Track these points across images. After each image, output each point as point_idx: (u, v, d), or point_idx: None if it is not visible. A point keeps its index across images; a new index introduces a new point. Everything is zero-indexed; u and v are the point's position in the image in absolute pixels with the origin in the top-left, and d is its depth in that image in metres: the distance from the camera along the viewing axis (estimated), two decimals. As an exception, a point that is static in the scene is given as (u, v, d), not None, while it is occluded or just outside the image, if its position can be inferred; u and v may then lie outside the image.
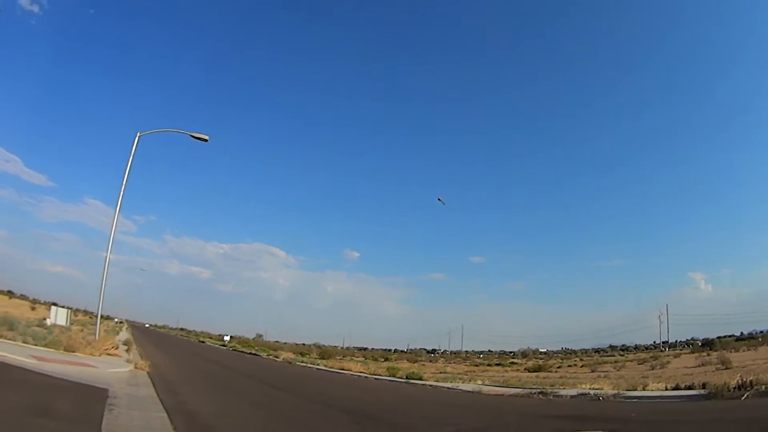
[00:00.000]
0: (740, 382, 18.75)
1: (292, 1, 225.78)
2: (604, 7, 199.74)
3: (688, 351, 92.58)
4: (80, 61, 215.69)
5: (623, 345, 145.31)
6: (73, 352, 23.76)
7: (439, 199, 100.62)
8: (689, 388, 21.55)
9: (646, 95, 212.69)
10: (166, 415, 12.61)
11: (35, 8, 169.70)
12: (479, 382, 33.42)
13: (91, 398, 12.94)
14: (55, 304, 78.97)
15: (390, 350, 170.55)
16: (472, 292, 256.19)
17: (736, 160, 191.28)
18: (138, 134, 32.26)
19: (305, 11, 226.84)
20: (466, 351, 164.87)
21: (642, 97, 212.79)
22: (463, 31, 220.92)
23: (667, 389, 22.25)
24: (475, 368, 77.47)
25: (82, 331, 39.81)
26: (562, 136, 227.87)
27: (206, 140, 32.88)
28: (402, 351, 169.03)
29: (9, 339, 23.29)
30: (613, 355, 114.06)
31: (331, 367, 50.48)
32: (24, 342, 23.47)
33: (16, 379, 13.69)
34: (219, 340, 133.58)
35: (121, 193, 32.03)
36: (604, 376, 41.49)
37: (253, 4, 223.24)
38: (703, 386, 20.55)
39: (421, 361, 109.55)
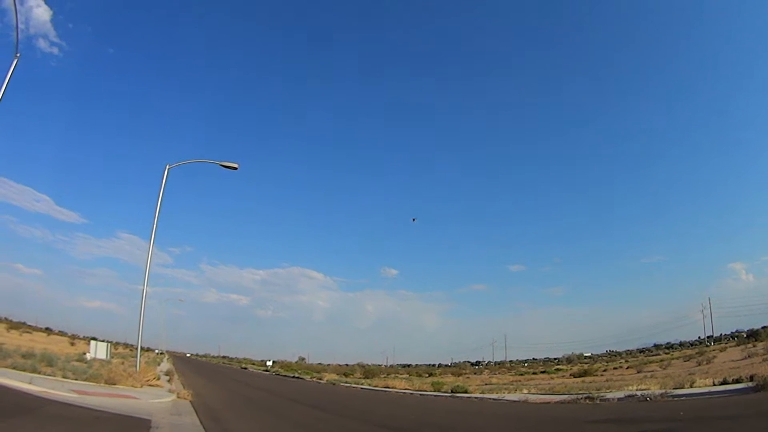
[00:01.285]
0: (788, 372, 18.66)
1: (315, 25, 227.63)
2: None
3: (734, 344, 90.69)
4: (104, 98, 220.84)
5: (668, 343, 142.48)
6: (114, 384, 23.90)
7: (413, 220, 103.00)
8: (737, 381, 21.47)
9: (677, 86, 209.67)
10: None
11: (55, 50, 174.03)
12: (525, 391, 33.31)
13: (134, 429, 13.10)
14: (94, 339, 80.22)
15: (434, 365, 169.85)
16: (513, 301, 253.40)
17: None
18: (167, 166, 32.47)
19: (327, 33, 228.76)
20: (510, 361, 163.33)
21: (674, 88, 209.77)
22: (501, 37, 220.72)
23: (714, 384, 22.18)
24: (521, 377, 76.67)
25: (122, 363, 39.67)
26: (596, 141, 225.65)
27: (236, 168, 32.98)
28: (446, 365, 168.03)
29: (48, 374, 23.40)
30: (659, 354, 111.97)
31: (375, 386, 50.29)
32: (64, 377, 23.59)
33: (57, 413, 13.66)
34: (261, 366, 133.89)
35: (154, 225, 32.17)
36: (651, 376, 41.14)
37: (271, 31, 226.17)
38: (751, 379, 20.49)
39: (465, 373, 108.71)
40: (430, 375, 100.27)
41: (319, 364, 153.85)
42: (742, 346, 70.04)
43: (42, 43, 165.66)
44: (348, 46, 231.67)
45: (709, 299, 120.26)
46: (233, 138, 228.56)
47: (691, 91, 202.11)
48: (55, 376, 23.38)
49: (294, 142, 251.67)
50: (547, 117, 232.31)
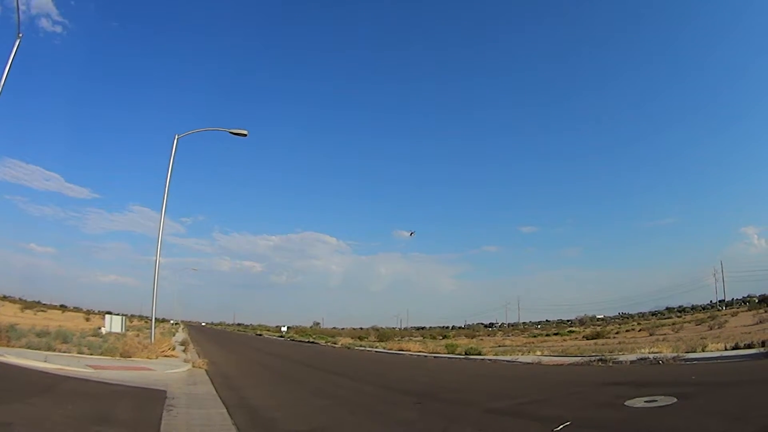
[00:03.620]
0: (801, 337, 18.74)
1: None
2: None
3: (746, 308, 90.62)
4: (109, 73, 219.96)
5: (680, 306, 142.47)
6: (129, 357, 24.23)
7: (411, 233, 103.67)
8: (749, 346, 21.58)
9: (693, 53, 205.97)
10: (225, 411, 12.88)
11: (58, 29, 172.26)
12: (538, 353, 33.57)
13: (150, 401, 13.12)
14: (109, 313, 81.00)
15: (448, 327, 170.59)
16: (526, 263, 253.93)
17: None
18: (176, 136, 32.40)
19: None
20: (523, 323, 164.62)
21: (689, 55, 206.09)
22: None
23: (726, 349, 22.28)
24: (534, 339, 77.38)
25: (137, 336, 40.20)
26: (613, 102, 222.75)
27: (245, 135, 33.16)
28: (460, 327, 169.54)
29: (64, 351, 23.66)
30: (671, 317, 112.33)
31: (389, 349, 50.68)
32: (79, 353, 23.83)
33: (73, 389, 13.69)
34: (277, 332, 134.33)
35: (165, 196, 32.41)
36: (663, 339, 41.32)
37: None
38: (763, 344, 20.63)
39: (479, 335, 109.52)
40: (444, 337, 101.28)
41: (334, 328, 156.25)
42: (754, 311, 70.05)
43: (45, 23, 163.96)
44: (357, 11, 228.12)
45: (721, 263, 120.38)
46: (240, 105, 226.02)
47: (707, 57, 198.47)
48: (70, 352, 23.70)
49: (302, 107, 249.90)
50: (565, 78, 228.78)
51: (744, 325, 49.28)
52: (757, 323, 48.48)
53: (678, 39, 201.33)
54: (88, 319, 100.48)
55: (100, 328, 49.16)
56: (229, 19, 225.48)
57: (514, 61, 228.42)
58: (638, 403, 12.00)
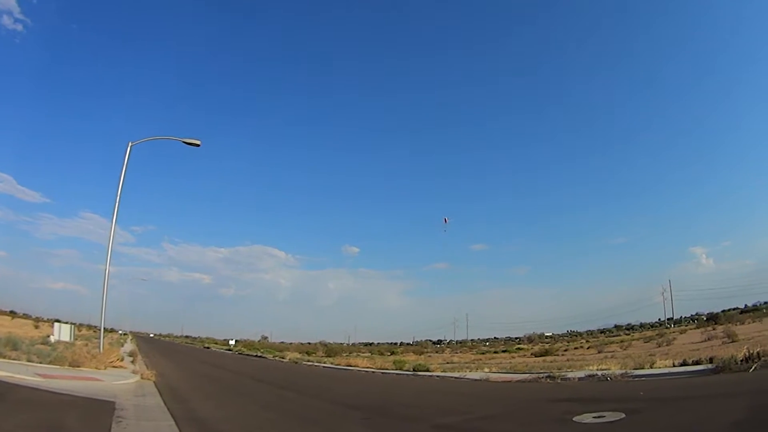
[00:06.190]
0: (747, 354, 18.69)
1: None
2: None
3: (694, 326, 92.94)
4: (67, 77, 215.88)
5: (628, 324, 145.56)
6: (78, 366, 23.74)
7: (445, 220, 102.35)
8: (696, 363, 21.51)
9: (647, 72, 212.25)
10: (174, 423, 12.65)
11: (19, 27, 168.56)
12: (486, 369, 33.31)
13: (99, 412, 12.91)
14: (58, 321, 78.91)
15: (396, 344, 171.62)
16: (475, 280, 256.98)
17: (733, 134, 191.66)
18: (130, 144, 31.95)
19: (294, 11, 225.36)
20: (471, 340, 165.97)
21: (643, 74, 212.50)
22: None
23: (674, 366, 22.21)
24: (482, 356, 77.72)
25: (86, 345, 39.96)
26: (563, 121, 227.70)
27: (198, 145, 32.77)
28: (408, 344, 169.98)
29: (13, 359, 23.25)
30: (619, 335, 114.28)
31: (337, 365, 50.16)
32: (28, 360, 23.43)
33: (22, 398, 13.57)
34: (224, 345, 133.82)
35: (117, 204, 31.77)
36: (611, 357, 41.58)
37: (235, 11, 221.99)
38: (710, 361, 20.52)
39: (427, 352, 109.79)
40: (392, 353, 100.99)
41: (282, 342, 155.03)
42: (702, 329, 71.54)
43: (6, 20, 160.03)
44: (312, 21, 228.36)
45: (670, 282, 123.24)
46: (195, 117, 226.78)
47: (656, 77, 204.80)
48: (20, 360, 23.44)
49: (253, 120, 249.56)
50: (514, 94, 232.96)
51: (692, 343, 50.06)
52: (705, 340, 49.31)
53: (629, 54, 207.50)
54: (37, 327, 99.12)
55: (49, 336, 49.05)
56: (187, 30, 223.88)
57: (465, 77, 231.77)
58: (587, 418, 11.81)
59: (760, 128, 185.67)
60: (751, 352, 18.76)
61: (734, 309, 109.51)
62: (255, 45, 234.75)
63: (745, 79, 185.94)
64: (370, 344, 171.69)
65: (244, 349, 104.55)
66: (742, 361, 18.44)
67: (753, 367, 17.75)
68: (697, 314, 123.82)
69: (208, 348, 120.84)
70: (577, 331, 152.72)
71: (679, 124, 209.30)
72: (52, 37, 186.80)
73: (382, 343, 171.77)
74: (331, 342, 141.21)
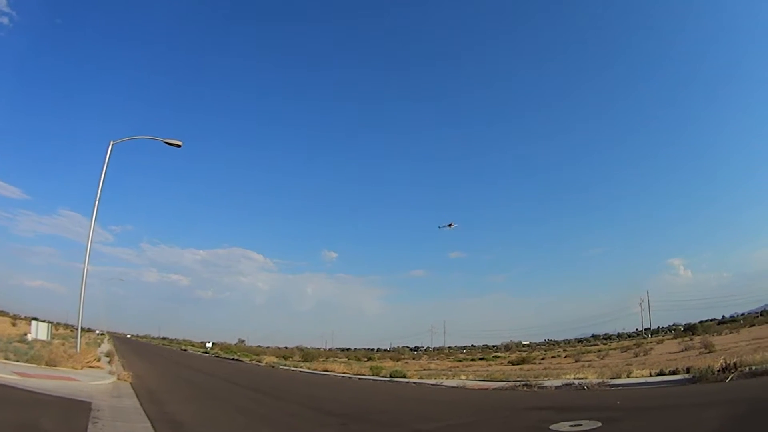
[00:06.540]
0: (724, 364, 18.75)
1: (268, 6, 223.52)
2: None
3: (671, 337, 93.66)
4: (50, 72, 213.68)
5: (606, 334, 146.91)
6: (55, 366, 23.66)
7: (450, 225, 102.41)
8: (673, 373, 21.52)
9: (617, 88, 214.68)
10: (150, 425, 12.70)
11: (5, 20, 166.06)
12: (463, 377, 33.28)
13: (75, 412, 12.85)
14: (35, 319, 77.86)
15: (373, 350, 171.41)
16: (453, 288, 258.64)
17: (709, 147, 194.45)
18: (111, 143, 31.84)
19: (278, 16, 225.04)
20: (449, 347, 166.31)
21: (613, 90, 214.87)
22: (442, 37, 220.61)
23: (651, 375, 22.21)
24: (459, 364, 77.68)
25: (63, 344, 39.37)
26: (540, 129, 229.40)
27: (179, 146, 32.83)
28: (385, 350, 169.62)
29: None
30: (597, 344, 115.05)
31: (314, 370, 49.98)
32: (6, 359, 23.42)
33: (1, 396, 13.59)
34: (201, 348, 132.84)
35: (96, 202, 31.51)
36: (588, 366, 41.59)
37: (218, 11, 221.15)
38: (687, 371, 20.52)
39: (404, 359, 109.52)
40: (369, 359, 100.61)
41: (259, 346, 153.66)
42: (679, 339, 72.09)
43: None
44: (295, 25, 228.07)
45: (647, 293, 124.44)
46: (176, 117, 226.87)
47: (634, 89, 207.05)
48: None
49: (234, 121, 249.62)
50: (495, 100, 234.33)
51: (669, 353, 50.27)
52: (682, 351, 49.52)
53: (608, 66, 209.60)
54: (14, 324, 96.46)
55: (26, 334, 48.49)
56: (167, 30, 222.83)
57: (444, 87, 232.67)
58: (563, 427, 11.67)
59: (738, 141, 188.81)
60: (728, 362, 18.80)
61: (712, 320, 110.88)
62: (235, 46, 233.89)
63: (723, 93, 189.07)
64: (347, 350, 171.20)
65: (221, 352, 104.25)
66: (719, 371, 18.49)
67: (730, 378, 17.78)
68: (674, 325, 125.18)
69: (185, 350, 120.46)
70: (554, 340, 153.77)
71: (657, 136, 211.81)
72: (36, 31, 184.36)
73: (360, 349, 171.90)
74: (308, 347, 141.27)
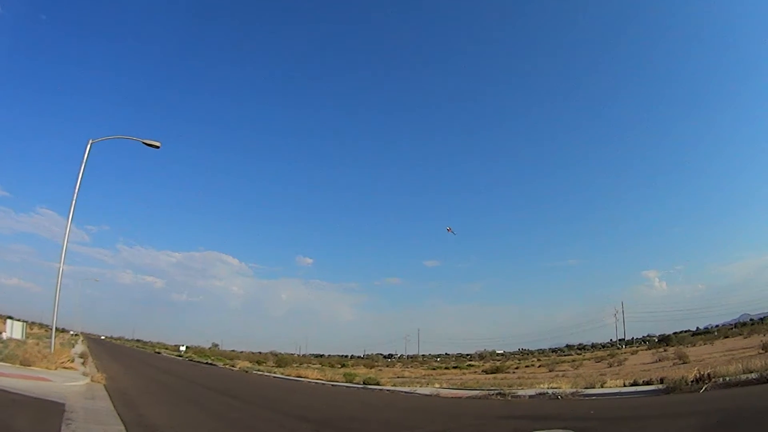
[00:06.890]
0: (698, 375, 18.81)
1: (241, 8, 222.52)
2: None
3: (645, 347, 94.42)
4: (31, 69, 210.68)
5: (580, 344, 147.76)
6: (29, 366, 23.96)
7: (448, 229, 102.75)
8: (647, 383, 21.56)
9: (594, 102, 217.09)
10: (123, 428, 12.59)
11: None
12: (437, 385, 33.21)
13: (48, 413, 12.92)
14: (10, 318, 76.49)
15: (347, 356, 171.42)
16: (428, 296, 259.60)
17: (685, 160, 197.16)
18: (90, 141, 31.76)
19: (256, 19, 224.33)
20: (423, 355, 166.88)
21: (590, 103, 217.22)
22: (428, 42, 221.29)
23: (625, 385, 22.21)
24: (433, 372, 77.82)
25: (37, 344, 39.12)
26: (517, 140, 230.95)
27: (158, 147, 32.83)
28: (359, 357, 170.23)
29: None
30: (570, 354, 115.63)
31: (288, 375, 49.63)
32: None
33: None
34: (175, 351, 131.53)
35: (74, 201, 31.37)
36: (562, 375, 41.68)
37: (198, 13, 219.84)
38: (661, 381, 20.55)
39: (378, 366, 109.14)
40: (343, 366, 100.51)
41: (233, 351, 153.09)
42: (653, 350, 72.63)
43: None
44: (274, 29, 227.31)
45: (622, 303, 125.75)
46: (155, 120, 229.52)
47: (611, 101, 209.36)
48: None
49: (212, 126, 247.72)
50: (472, 112, 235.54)
51: (643, 363, 50.64)
52: (656, 361, 49.90)
53: (585, 78, 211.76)
54: None
55: (1, 333, 48.11)
56: (151, 33, 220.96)
57: (421, 98, 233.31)
58: None
59: (713, 154, 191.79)
60: (702, 373, 18.88)
61: (686, 331, 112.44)
62: (213, 51, 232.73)
63: (697, 108, 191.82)
64: (321, 356, 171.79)
65: (195, 356, 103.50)
66: (692, 381, 18.54)
67: (703, 388, 17.84)
68: (649, 336, 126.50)
69: (158, 353, 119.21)
70: (528, 350, 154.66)
71: (633, 149, 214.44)
72: (20, 26, 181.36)
73: (333, 355, 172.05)
74: (282, 352, 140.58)
